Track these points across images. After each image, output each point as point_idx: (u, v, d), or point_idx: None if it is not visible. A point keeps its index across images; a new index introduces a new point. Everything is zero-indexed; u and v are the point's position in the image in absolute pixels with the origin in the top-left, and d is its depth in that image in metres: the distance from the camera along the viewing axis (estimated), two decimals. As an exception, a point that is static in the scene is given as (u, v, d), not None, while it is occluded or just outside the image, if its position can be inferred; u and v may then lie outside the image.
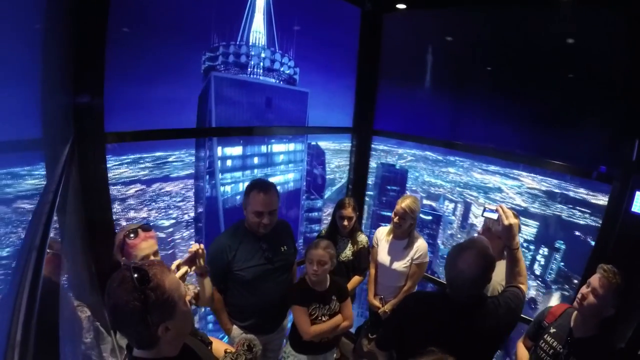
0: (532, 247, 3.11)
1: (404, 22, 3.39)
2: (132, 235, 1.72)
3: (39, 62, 1.37)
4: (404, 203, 2.78)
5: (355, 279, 3.08)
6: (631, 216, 2.03)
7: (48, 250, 1.04)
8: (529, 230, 3.12)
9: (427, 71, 3.34)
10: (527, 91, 2.71)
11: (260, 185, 2.23)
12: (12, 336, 0.68)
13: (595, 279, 1.74)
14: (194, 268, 1.85)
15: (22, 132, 1.24)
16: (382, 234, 3.06)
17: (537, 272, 2.96)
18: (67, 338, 1.22)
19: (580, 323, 1.82)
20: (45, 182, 1.28)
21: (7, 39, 1.08)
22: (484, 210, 1.99)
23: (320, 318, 2.37)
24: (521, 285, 1.79)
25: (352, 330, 3.61)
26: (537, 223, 3.06)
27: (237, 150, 3.39)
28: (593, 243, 2.41)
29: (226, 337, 2.51)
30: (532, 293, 3.02)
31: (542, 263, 3.04)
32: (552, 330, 1.92)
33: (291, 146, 3.85)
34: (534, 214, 3.06)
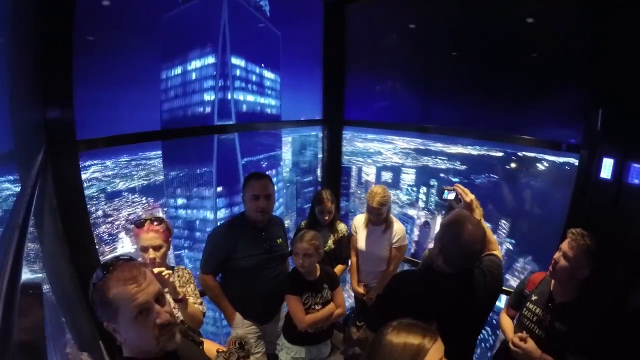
0: (415, 188, 3.60)
1: (367, 11, 3.46)
2: (138, 224, 1.85)
3: (6, 76, 1.41)
4: (375, 201, 2.86)
5: (339, 268, 3.15)
6: (600, 182, 2.12)
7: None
8: (410, 177, 3.60)
9: (392, 58, 3.43)
10: (493, 72, 2.81)
11: (255, 175, 2.46)
12: None
13: (565, 244, 1.83)
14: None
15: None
16: (360, 222, 3.15)
17: (422, 205, 3.34)
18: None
19: (559, 288, 1.89)
20: (19, 191, 1.33)
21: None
22: (443, 193, 2.08)
23: (313, 307, 2.42)
24: (495, 252, 1.84)
25: (340, 320, 3.73)
26: (414, 171, 3.48)
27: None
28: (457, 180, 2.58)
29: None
30: (422, 220, 3.43)
31: (424, 198, 3.55)
32: (534, 297, 2.00)
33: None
34: (409, 166, 3.43)
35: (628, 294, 2.00)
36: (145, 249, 1.85)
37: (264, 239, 2.50)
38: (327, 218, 3.03)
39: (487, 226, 1.93)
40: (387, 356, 1.18)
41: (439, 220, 3.47)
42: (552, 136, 2.58)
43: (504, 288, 2.59)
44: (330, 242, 3.12)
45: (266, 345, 2.69)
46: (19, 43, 1.52)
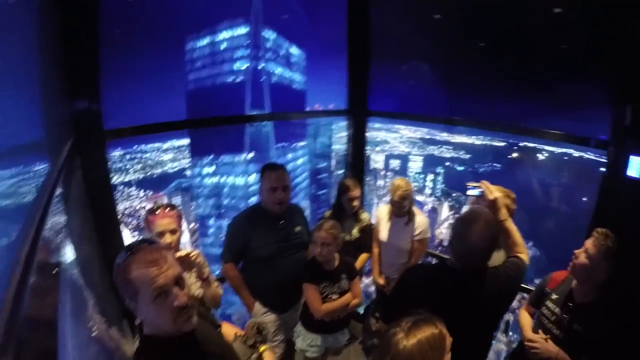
0: (422, 175, 3.92)
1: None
2: (151, 211, 1.90)
3: (37, 70, 1.52)
4: (396, 194, 2.83)
5: (363, 256, 3.17)
6: (627, 180, 2.04)
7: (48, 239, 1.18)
8: (416, 165, 3.93)
9: (417, 48, 3.34)
10: (520, 63, 2.72)
11: (271, 166, 2.47)
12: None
13: (589, 241, 1.76)
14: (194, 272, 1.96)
15: (27, 137, 1.39)
16: (383, 212, 3.12)
17: (429, 191, 3.32)
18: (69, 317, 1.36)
19: (579, 288, 1.82)
20: (46, 178, 1.44)
21: (4, 52, 1.21)
22: (467, 188, 2.01)
23: (330, 296, 2.43)
24: (520, 255, 1.80)
25: (361, 310, 3.74)
26: (421, 159, 3.67)
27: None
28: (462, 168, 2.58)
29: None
30: (429, 206, 3.43)
31: (431, 185, 3.81)
32: (554, 296, 1.94)
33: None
34: (416, 154, 3.57)
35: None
36: (161, 234, 1.90)
37: (281, 227, 2.53)
38: (354, 204, 3.04)
39: (514, 228, 1.86)
40: (409, 359, 1.18)
41: (445, 206, 3.58)
42: (580, 131, 2.45)
43: (523, 285, 2.50)
44: (355, 231, 3.13)
45: (286, 332, 2.75)
46: (47, 38, 1.62)
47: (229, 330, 1.69)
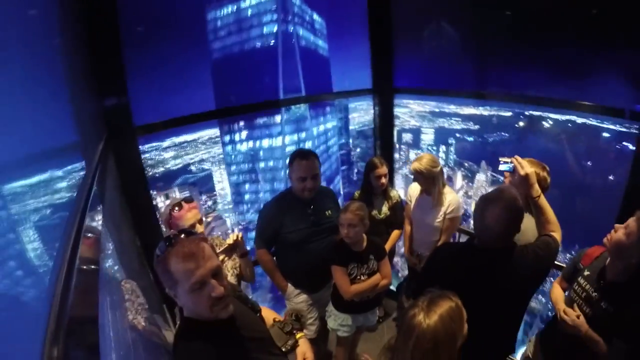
0: (435, 147, 3.96)
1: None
2: (177, 208, 1.95)
3: (66, 74, 1.59)
4: (413, 165, 2.79)
5: (395, 233, 3.20)
6: None
7: (90, 235, 1.27)
8: (428, 137, 3.94)
9: (443, 20, 3.16)
10: (551, 34, 2.52)
11: (301, 154, 2.44)
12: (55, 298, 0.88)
13: (632, 220, 1.64)
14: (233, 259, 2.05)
15: (62, 139, 1.48)
16: (415, 190, 3.08)
17: (442, 162, 3.22)
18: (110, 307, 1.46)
19: (613, 266, 1.73)
20: (83, 177, 1.53)
21: (30, 58, 1.27)
22: (499, 163, 1.94)
23: (359, 277, 2.44)
24: (553, 233, 1.75)
25: (394, 288, 3.77)
26: (433, 131, 3.65)
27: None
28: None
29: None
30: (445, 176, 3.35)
31: (443, 156, 3.90)
32: (587, 273, 1.87)
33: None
34: (427, 127, 3.56)
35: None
36: (192, 227, 1.96)
37: (311, 212, 2.55)
38: (383, 181, 3.05)
39: (547, 205, 1.80)
40: (435, 336, 1.21)
41: (459, 175, 3.62)
42: (615, 102, 2.29)
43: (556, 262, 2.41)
44: (385, 209, 3.15)
45: (319, 310, 2.82)
46: (72, 37, 1.68)
47: (268, 315, 1.74)
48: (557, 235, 1.77)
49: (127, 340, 1.55)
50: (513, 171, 1.86)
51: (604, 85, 2.34)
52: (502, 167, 1.92)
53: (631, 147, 2.50)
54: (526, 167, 1.79)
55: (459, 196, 2.93)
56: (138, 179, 2.12)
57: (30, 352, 0.74)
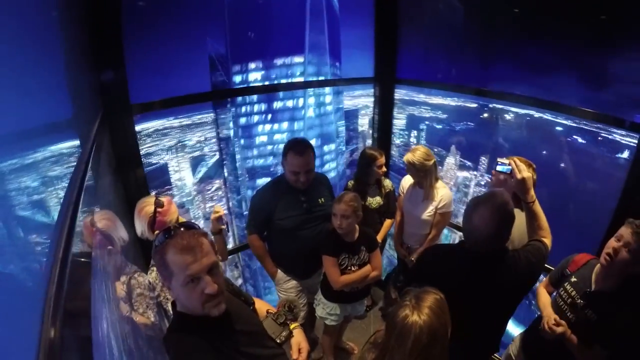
0: (406, 132, 4.28)
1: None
2: (160, 205, 1.85)
3: (61, 48, 1.52)
4: (407, 156, 2.81)
5: (387, 222, 3.24)
6: None
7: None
8: (400, 122, 4.05)
9: (449, 11, 3.11)
10: (556, 32, 2.49)
11: (296, 148, 2.36)
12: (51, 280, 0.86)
13: (627, 234, 1.63)
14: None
15: (55, 115, 1.42)
16: (408, 182, 3.10)
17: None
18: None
19: (602, 277, 1.75)
20: (78, 156, 1.49)
21: (27, 30, 1.21)
22: (497, 164, 1.93)
23: (349, 268, 2.46)
24: (544, 239, 1.76)
25: (383, 277, 3.83)
26: (404, 117, 4.05)
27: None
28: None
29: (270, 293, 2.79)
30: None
31: (415, 142, 4.25)
32: (573, 279, 1.89)
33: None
34: (397, 114, 3.80)
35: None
36: (176, 221, 1.85)
37: (304, 199, 2.54)
38: (383, 170, 3.09)
39: (540, 211, 1.79)
40: (431, 329, 1.23)
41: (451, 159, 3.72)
42: (615, 110, 2.29)
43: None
44: (379, 198, 3.18)
45: (308, 296, 2.86)
46: (69, 12, 1.60)
47: (261, 307, 1.73)
48: (548, 241, 1.78)
49: (131, 333, 1.54)
50: (510, 173, 1.85)
51: (562, 83, 2.42)
52: (499, 168, 1.91)
53: (580, 140, 2.81)
54: (523, 170, 1.77)
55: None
56: (134, 160, 2.07)
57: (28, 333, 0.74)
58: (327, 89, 5.88)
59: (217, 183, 6.25)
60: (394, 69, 3.49)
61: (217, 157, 6.12)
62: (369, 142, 4.10)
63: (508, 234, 1.64)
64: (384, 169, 3.09)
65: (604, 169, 2.77)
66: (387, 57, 3.46)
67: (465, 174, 4.44)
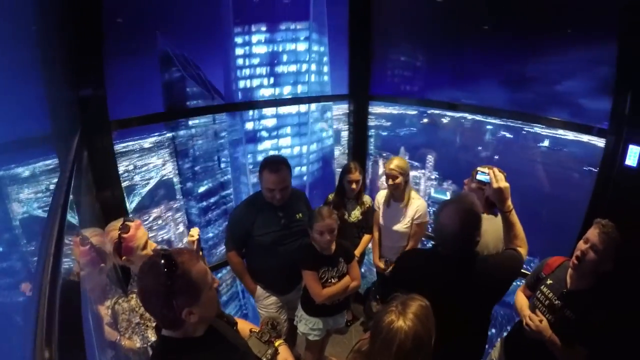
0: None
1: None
2: (126, 230, 1.70)
3: (41, 64, 1.48)
4: (392, 164, 2.85)
5: (366, 238, 3.27)
6: (625, 169, 2.04)
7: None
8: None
9: (421, 31, 3.31)
10: (523, 47, 2.71)
11: (270, 165, 2.37)
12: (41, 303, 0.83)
13: (594, 235, 1.74)
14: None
15: (33, 130, 1.37)
16: (382, 196, 3.16)
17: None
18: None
19: (576, 277, 1.85)
20: (59, 173, 1.44)
21: (7, 45, 1.18)
22: (477, 173, 2.02)
23: (330, 280, 2.47)
24: (519, 249, 1.80)
25: (361, 291, 3.86)
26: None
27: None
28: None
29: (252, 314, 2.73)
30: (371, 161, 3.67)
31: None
32: (549, 281, 1.97)
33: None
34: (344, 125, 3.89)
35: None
36: (146, 244, 1.79)
37: (282, 215, 2.55)
38: (354, 187, 3.09)
39: (517, 220, 1.83)
40: (416, 336, 1.25)
41: (380, 161, 3.87)
42: (582, 117, 2.47)
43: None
44: (358, 213, 3.21)
45: (288, 312, 2.83)
46: (50, 28, 1.57)
47: (244, 327, 1.71)
48: (523, 250, 1.81)
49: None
50: (489, 183, 1.88)
51: (572, 101, 2.57)
52: (479, 177, 1.99)
53: (508, 135, 3.23)
54: (501, 181, 1.82)
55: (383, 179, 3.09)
56: (111, 178, 2.01)
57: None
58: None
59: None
60: (368, 85, 3.61)
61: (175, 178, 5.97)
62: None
63: (474, 236, 1.68)
64: (354, 185, 3.09)
65: (524, 155, 3.32)
66: (362, 74, 3.57)
67: (415, 173, 4.65)
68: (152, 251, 1.20)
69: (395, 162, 2.84)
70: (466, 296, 1.71)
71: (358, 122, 3.77)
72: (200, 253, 2.03)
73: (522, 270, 1.84)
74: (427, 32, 3.31)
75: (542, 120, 2.64)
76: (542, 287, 1.99)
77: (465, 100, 3.14)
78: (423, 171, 4.83)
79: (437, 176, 4.91)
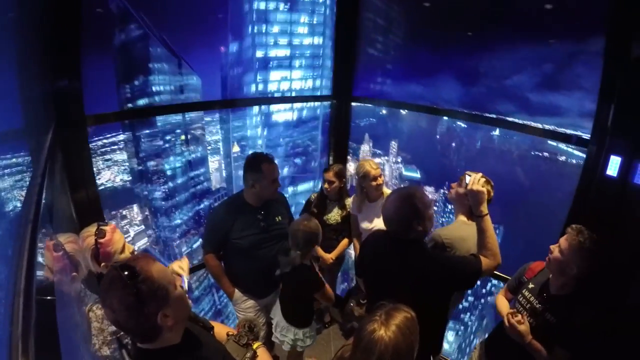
0: None
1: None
2: (102, 235, 1.64)
3: (14, 53, 1.39)
4: (357, 170, 2.92)
5: (344, 241, 3.25)
6: (605, 179, 2.05)
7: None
8: None
9: (406, 34, 3.35)
10: (507, 54, 2.76)
11: (266, 158, 2.42)
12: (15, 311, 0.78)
13: (563, 238, 1.83)
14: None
15: (2, 124, 1.28)
16: (354, 203, 3.11)
17: None
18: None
19: (555, 280, 1.89)
20: (31, 171, 1.35)
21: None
22: (467, 176, 2.00)
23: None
24: (482, 257, 1.79)
25: (340, 294, 3.87)
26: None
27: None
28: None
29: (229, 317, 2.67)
30: None
31: None
32: (531, 285, 2.01)
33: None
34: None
35: (624, 294, 2.00)
36: (123, 248, 1.73)
37: (261, 217, 2.52)
38: (326, 186, 3.08)
39: (489, 228, 1.83)
40: (396, 348, 1.24)
41: (352, 167, 3.84)
42: (563, 126, 2.52)
43: (497, 273, 2.67)
44: (337, 216, 3.18)
45: (266, 315, 2.78)
46: (26, 16, 1.48)
47: (220, 331, 1.67)
48: (489, 261, 1.79)
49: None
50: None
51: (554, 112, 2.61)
52: (467, 180, 2.02)
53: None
54: (476, 184, 1.85)
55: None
56: (86, 175, 1.91)
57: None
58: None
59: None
60: (351, 87, 3.61)
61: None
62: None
63: (410, 220, 1.75)
64: (327, 185, 3.08)
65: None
66: (345, 76, 3.57)
67: (378, 160, 4.79)
68: (108, 266, 1.13)
69: (367, 165, 2.86)
70: (414, 279, 1.77)
71: (340, 124, 3.76)
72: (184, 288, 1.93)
73: (474, 279, 1.83)
74: (411, 35, 3.37)
75: (525, 128, 2.67)
76: (523, 291, 2.04)
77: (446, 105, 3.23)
78: (387, 157, 5.04)
79: (402, 159, 5.31)
